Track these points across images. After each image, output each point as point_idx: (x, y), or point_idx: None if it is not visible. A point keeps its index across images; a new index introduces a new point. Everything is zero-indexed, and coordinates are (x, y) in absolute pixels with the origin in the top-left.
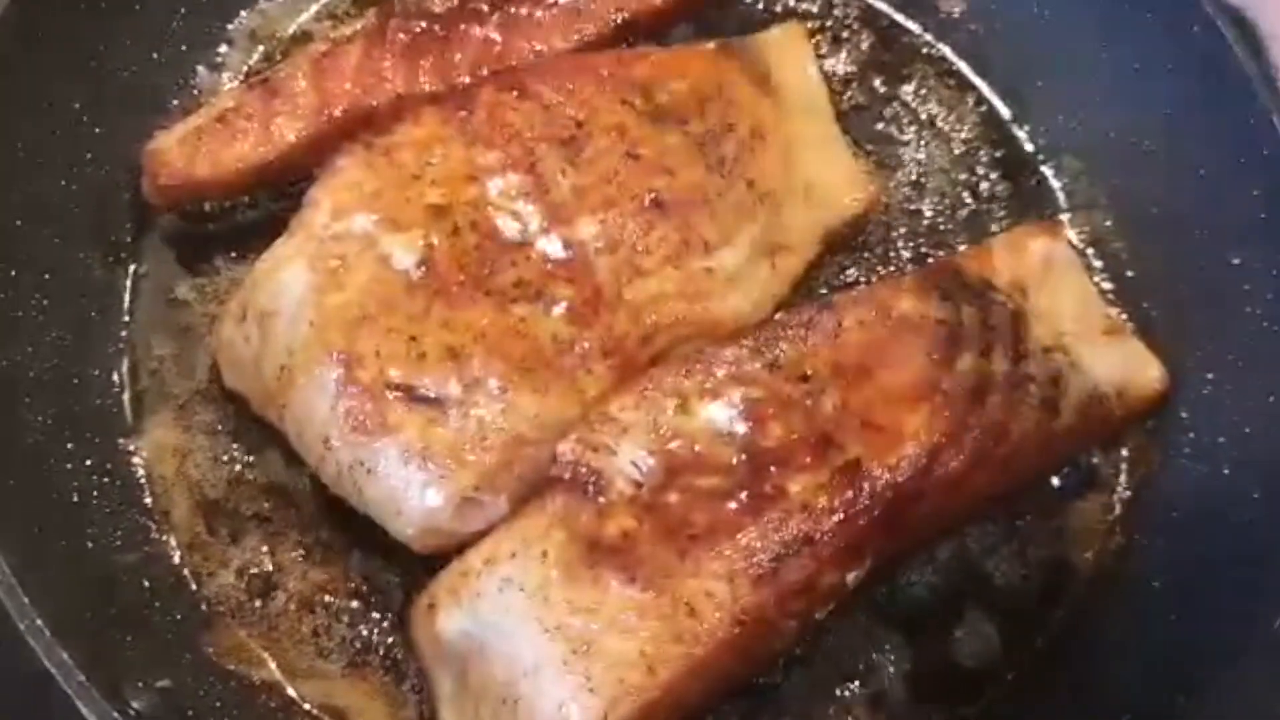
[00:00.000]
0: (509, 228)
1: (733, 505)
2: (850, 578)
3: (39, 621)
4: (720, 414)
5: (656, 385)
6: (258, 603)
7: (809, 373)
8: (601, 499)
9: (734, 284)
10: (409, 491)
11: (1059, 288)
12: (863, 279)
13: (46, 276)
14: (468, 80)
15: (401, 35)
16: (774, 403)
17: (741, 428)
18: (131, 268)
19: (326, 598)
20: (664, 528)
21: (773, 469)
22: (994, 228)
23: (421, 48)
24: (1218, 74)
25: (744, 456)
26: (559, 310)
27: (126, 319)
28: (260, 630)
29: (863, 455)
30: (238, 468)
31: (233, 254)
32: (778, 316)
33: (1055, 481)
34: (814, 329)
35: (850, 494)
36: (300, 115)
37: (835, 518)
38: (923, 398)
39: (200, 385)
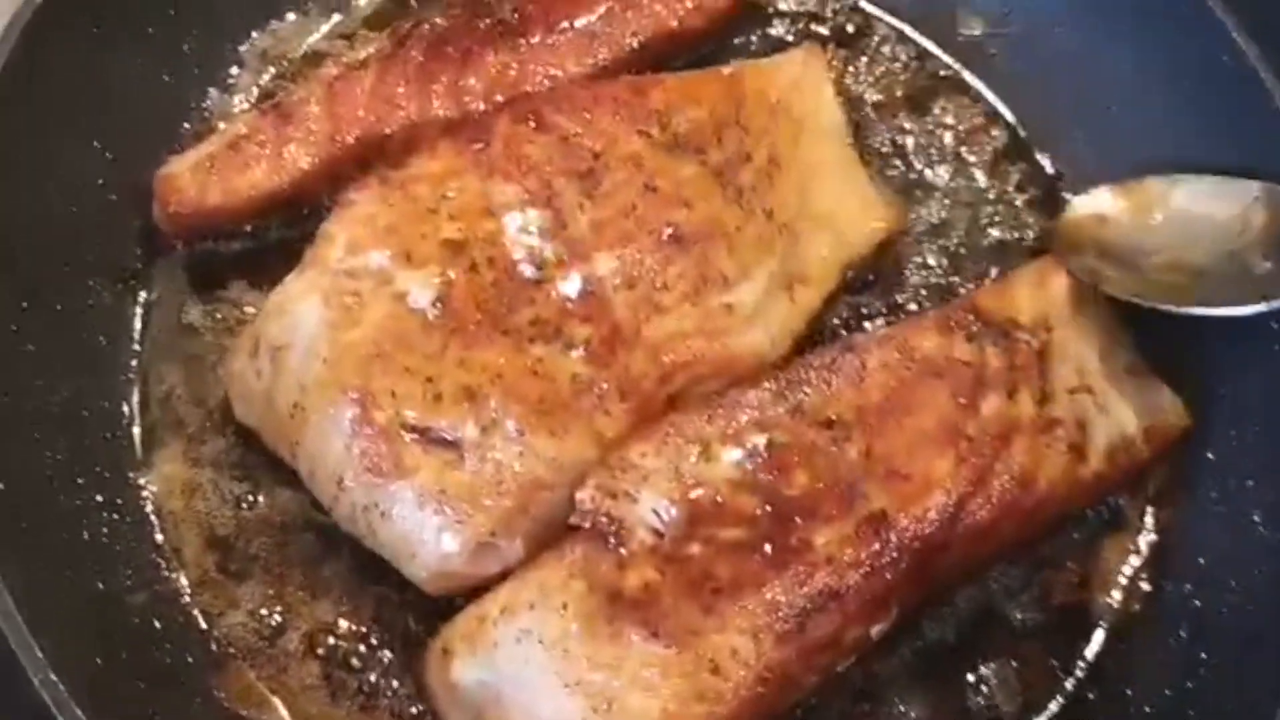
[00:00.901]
0: (526, 264)
1: (757, 558)
2: (875, 630)
3: (53, 675)
4: (743, 461)
5: (678, 431)
6: (267, 644)
7: (833, 418)
8: (622, 550)
9: (752, 320)
10: (424, 536)
11: (1083, 324)
12: (882, 310)
13: (57, 307)
14: (482, 106)
15: (416, 57)
16: (798, 450)
17: (765, 476)
18: (142, 295)
19: (335, 640)
20: (687, 580)
21: (797, 520)
22: (1017, 257)
23: (435, 73)
24: (1247, 105)
25: (768, 507)
26: (577, 350)
27: (136, 348)
28: (270, 672)
29: (888, 506)
30: (247, 503)
31: (244, 280)
32: (801, 358)
33: (1079, 522)
34: (837, 372)
35: (876, 547)
36: (313, 142)
37: (861, 571)
38: (949, 443)
39: (210, 416)
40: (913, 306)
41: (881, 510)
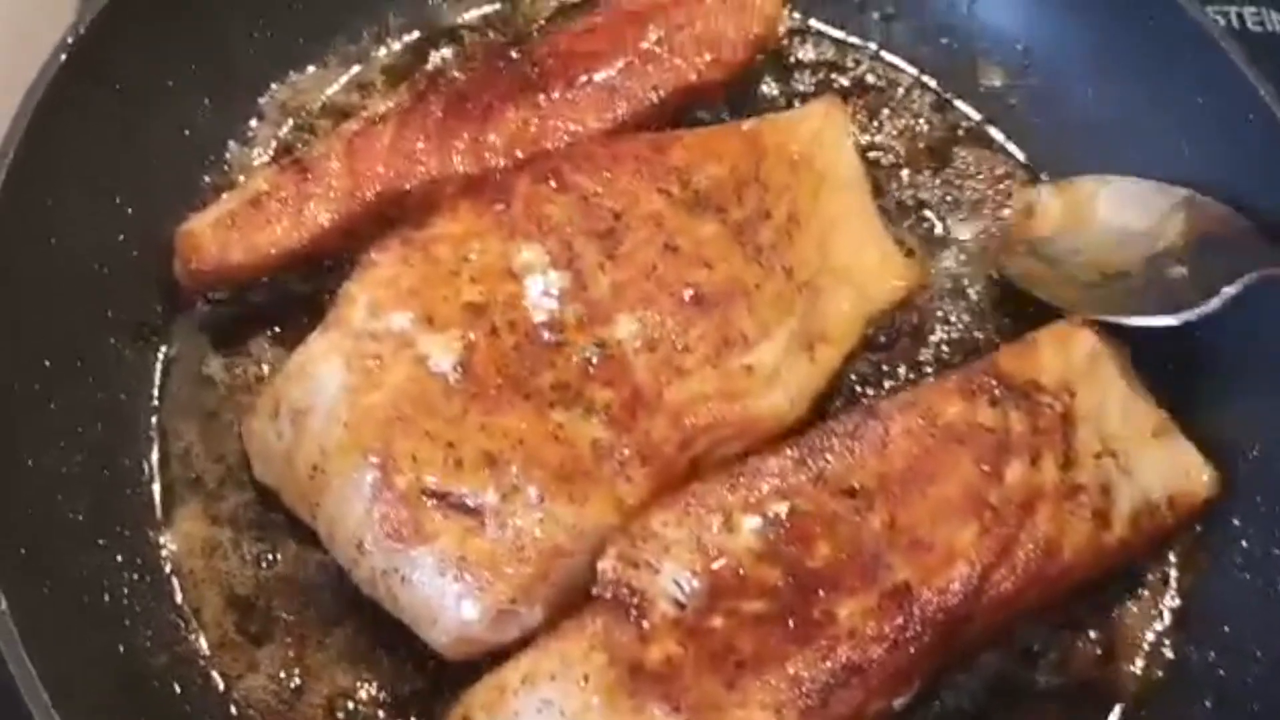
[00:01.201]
0: (547, 327)
1: (779, 631)
2: (898, 703)
3: None
4: (765, 531)
5: (700, 500)
6: (287, 707)
7: (856, 486)
8: (644, 622)
9: (772, 381)
10: (445, 602)
11: (1106, 385)
12: (902, 368)
13: (78, 363)
14: (502, 162)
15: (435, 112)
16: (820, 519)
17: (787, 547)
18: (162, 350)
19: (354, 704)
20: (709, 654)
21: (820, 592)
22: (1039, 314)
23: (455, 128)
24: (1272, 155)
25: (790, 578)
26: (598, 415)
27: (156, 404)
28: None
29: (912, 578)
30: (267, 562)
31: (264, 334)
32: (823, 424)
33: (1102, 585)
34: (860, 439)
35: (900, 620)
36: (333, 198)
37: (884, 645)
38: (973, 513)
39: (230, 473)
40: (935, 363)
41: (905, 582)
